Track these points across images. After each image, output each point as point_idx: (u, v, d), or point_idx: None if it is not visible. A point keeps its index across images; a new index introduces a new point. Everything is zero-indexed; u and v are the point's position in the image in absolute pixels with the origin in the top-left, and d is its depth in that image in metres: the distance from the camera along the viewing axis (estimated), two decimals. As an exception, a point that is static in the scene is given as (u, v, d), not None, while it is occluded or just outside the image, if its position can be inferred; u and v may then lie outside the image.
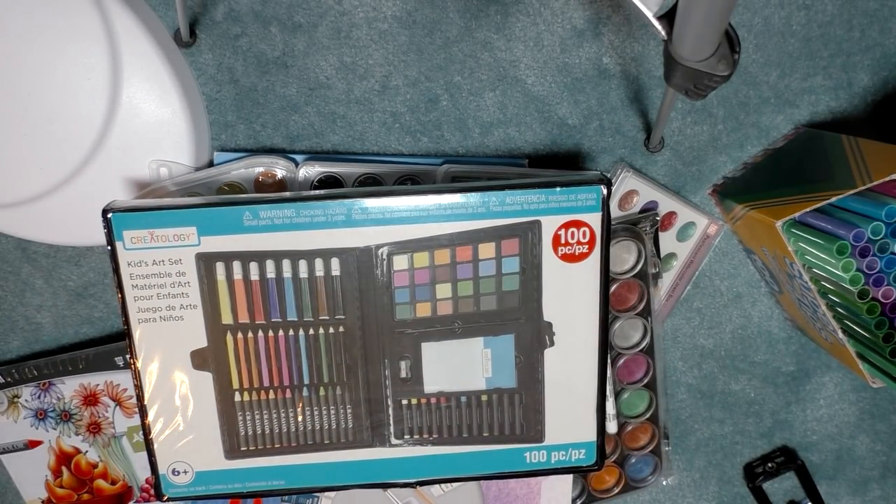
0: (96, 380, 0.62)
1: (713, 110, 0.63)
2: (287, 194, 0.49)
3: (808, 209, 0.53)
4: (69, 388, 0.62)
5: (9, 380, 0.63)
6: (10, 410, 0.63)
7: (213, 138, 0.61)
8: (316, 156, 0.61)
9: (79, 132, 0.54)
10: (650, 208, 0.63)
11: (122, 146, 0.55)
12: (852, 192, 0.51)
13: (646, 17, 0.43)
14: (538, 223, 0.48)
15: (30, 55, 0.52)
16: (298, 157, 0.60)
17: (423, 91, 0.60)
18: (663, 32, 0.43)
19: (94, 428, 0.63)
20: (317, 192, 0.52)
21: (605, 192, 0.48)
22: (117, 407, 0.63)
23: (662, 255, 0.65)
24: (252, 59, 0.59)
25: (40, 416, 0.63)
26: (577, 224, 0.48)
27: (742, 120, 0.63)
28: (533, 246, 0.48)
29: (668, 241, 0.64)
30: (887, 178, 0.51)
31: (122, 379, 0.62)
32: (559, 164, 0.63)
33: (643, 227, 0.61)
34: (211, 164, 0.60)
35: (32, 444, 0.64)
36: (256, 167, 0.58)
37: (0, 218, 0.58)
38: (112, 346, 0.61)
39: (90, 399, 0.62)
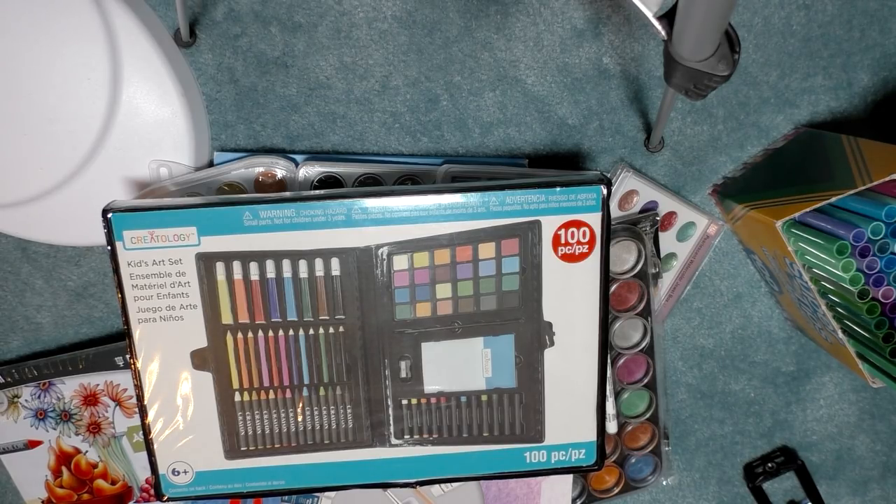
0: (96, 380, 0.62)
1: (713, 110, 0.63)
2: (287, 194, 0.49)
3: (808, 209, 0.53)
4: (69, 388, 0.62)
5: (9, 380, 0.63)
6: (10, 410, 0.63)
7: (213, 138, 0.61)
8: (316, 156, 0.61)
9: (79, 132, 0.54)
10: (650, 208, 0.63)
11: (122, 146, 0.55)
12: (852, 192, 0.51)
13: (646, 17, 0.43)
14: (538, 223, 0.48)
15: (30, 55, 0.52)
16: (298, 157, 0.60)
17: (423, 91, 0.60)
18: (663, 32, 0.43)
19: (94, 428, 0.63)
20: (317, 192, 0.52)
21: (604, 191, 0.48)
22: (117, 407, 0.63)
23: (662, 255, 0.65)
24: (252, 59, 0.59)
25: (40, 416, 0.63)
26: (577, 224, 0.48)
27: (742, 120, 0.63)
28: (533, 246, 0.48)
29: (668, 241, 0.64)
30: (887, 178, 0.51)
31: (122, 379, 0.62)
32: (559, 164, 0.63)
33: (643, 227, 0.61)
34: (211, 164, 0.60)
35: (32, 444, 0.64)
36: (256, 167, 0.58)
37: (0, 218, 0.58)
38: (112, 346, 0.61)
39: (90, 399, 0.62)
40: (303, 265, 0.48)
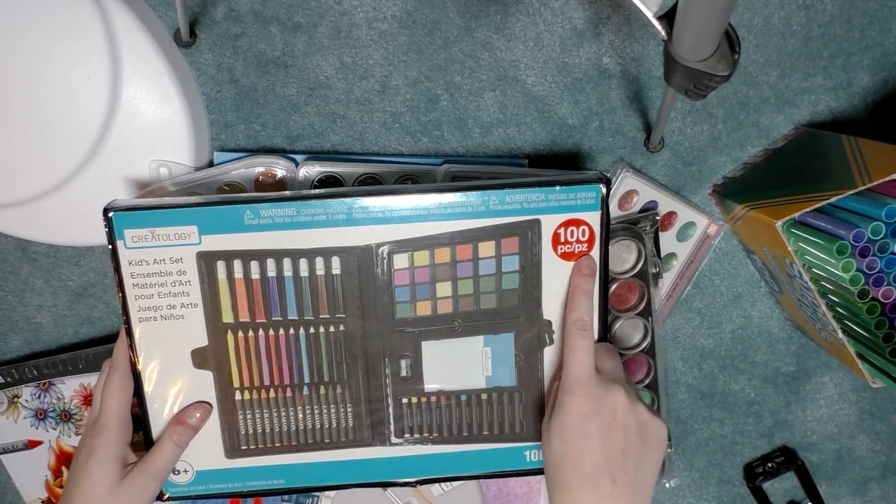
0: (96, 380, 0.62)
1: (713, 110, 0.63)
2: (288, 193, 0.49)
3: (808, 209, 0.53)
4: (69, 388, 0.62)
5: (9, 380, 0.63)
6: (10, 410, 0.63)
7: (213, 138, 0.61)
8: (316, 156, 0.61)
9: (79, 132, 0.54)
10: (650, 208, 0.63)
11: (122, 146, 0.55)
12: (852, 192, 0.51)
13: (646, 17, 0.43)
14: (538, 222, 0.48)
15: (30, 56, 0.52)
16: (298, 157, 0.60)
17: (423, 91, 0.60)
18: (663, 32, 0.44)
19: (94, 428, 0.63)
20: (317, 191, 0.52)
21: (604, 190, 0.48)
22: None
23: (662, 255, 0.65)
24: (252, 59, 0.59)
25: (40, 416, 0.63)
26: (577, 223, 0.48)
27: (742, 120, 0.63)
28: (532, 244, 0.48)
29: (668, 241, 0.64)
30: (887, 178, 0.51)
31: (123, 379, 0.62)
32: (559, 164, 0.63)
33: (643, 226, 0.61)
34: (211, 164, 0.60)
35: (32, 444, 0.64)
36: (256, 167, 0.58)
37: (0, 218, 0.58)
38: (112, 345, 0.61)
39: (90, 399, 0.62)
40: (303, 264, 0.48)
